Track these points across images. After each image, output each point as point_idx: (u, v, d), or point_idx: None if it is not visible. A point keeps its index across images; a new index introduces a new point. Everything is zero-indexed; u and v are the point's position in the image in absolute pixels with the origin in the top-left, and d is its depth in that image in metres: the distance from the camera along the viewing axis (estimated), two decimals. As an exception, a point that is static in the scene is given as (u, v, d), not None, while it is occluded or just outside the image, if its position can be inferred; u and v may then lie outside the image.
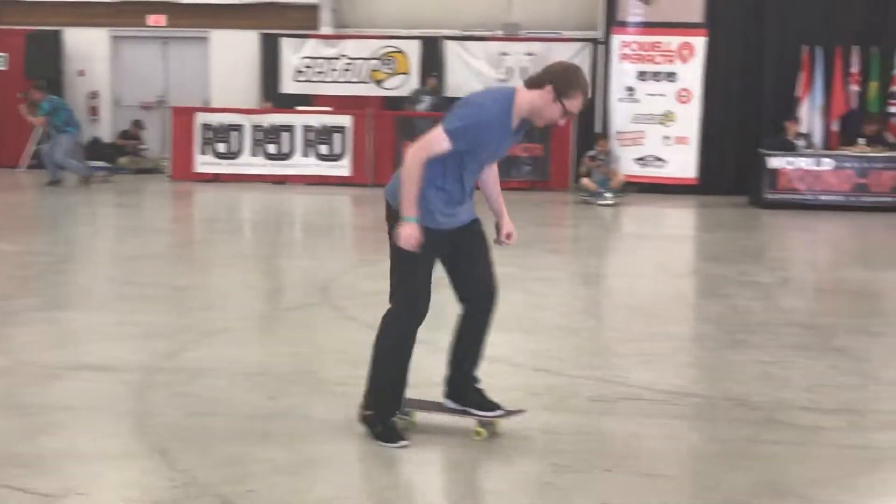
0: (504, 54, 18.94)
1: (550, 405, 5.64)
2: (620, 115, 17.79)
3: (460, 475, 4.58)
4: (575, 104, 4.75)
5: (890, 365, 6.79)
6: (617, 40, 17.77)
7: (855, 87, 17.46)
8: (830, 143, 17.24)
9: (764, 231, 14.36)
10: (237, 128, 18.41)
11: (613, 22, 17.86)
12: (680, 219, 15.83)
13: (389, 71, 19.38)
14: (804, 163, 16.09)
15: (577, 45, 18.69)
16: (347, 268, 10.44)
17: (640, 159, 17.79)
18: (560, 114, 4.77)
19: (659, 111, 17.71)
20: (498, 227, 5.18)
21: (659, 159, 17.81)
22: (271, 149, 18.38)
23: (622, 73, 17.79)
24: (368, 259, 11.20)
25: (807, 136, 16.96)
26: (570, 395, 5.87)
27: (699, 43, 17.58)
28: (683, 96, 17.66)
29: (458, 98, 19.12)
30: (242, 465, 4.63)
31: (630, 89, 17.79)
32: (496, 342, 7.07)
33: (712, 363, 6.89)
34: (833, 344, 7.32)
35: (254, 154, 18.38)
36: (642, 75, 17.77)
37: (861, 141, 16.57)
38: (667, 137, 17.74)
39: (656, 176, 17.71)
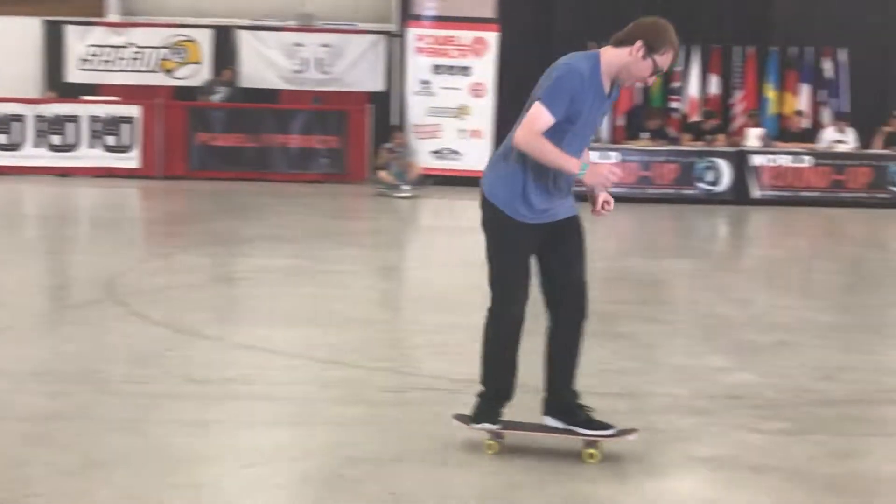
0: (299, 45, 18.81)
1: (343, 398, 5.63)
2: (416, 108, 17.95)
3: (254, 470, 4.52)
4: (666, 60, 4.55)
5: (668, 349, 7.09)
6: (412, 34, 17.91)
7: (638, 83, 18.14)
8: (616, 137, 17.88)
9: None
10: (19, 118, 17.63)
11: (408, 15, 17.99)
12: (475, 211, 15.99)
13: (180, 60, 18.93)
14: (592, 156, 16.60)
15: (373, 37, 18.76)
16: (134, 263, 10.14)
17: (437, 152, 18.00)
18: (651, 71, 4.54)
19: (454, 105, 17.96)
20: (593, 197, 4.78)
21: (455, 152, 18.07)
22: (55, 140, 17.68)
23: (417, 66, 17.95)
24: (157, 253, 10.94)
25: (594, 130, 17.53)
26: (363, 387, 5.88)
27: (491, 38, 17.91)
28: (477, 90, 17.96)
29: (252, 89, 19.05)
30: (24, 468, 4.43)
31: (425, 82, 17.96)
32: (288, 336, 7.06)
33: (503, 352, 7.02)
34: (617, 330, 7.58)
35: (36, 146, 17.66)
36: (437, 69, 17.97)
37: (644, 135, 17.26)
38: (462, 131, 18.02)
39: (452, 169, 17.95)
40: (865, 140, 17.37)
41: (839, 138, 17.26)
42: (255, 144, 17.90)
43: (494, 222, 4.72)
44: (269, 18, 19.09)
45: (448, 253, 11.61)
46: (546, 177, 4.61)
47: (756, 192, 16.68)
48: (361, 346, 6.89)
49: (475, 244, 13.81)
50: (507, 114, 17.93)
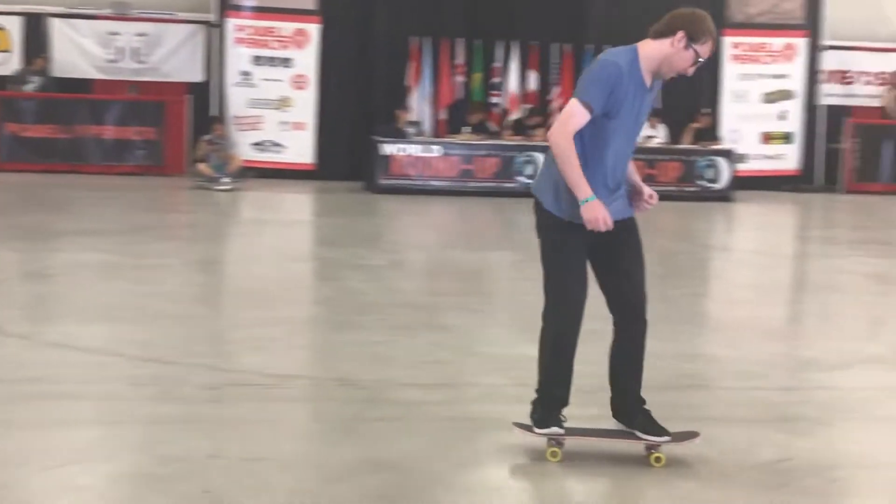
0: (114, 34, 18.22)
1: (156, 396, 5.51)
2: (237, 100, 17.68)
3: (61, 471, 4.37)
4: (706, 49, 4.54)
5: (487, 340, 7.19)
6: (231, 24, 17.63)
7: (460, 78, 18.38)
8: (439, 130, 18.04)
9: (378, 216, 14.80)
10: None
11: (227, 5, 17.69)
12: (298, 204, 15.98)
13: (-12, 49, 18.12)
14: (415, 149, 16.73)
15: (191, 27, 18.35)
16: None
17: (258, 144, 17.78)
18: (692, 61, 4.54)
19: (275, 96, 17.78)
20: (637, 190, 4.78)
21: (277, 144, 17.89)
22: None
23: (238, 57, 17.68)
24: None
25: (417, 124, 17.64)
26: (178, 384, 5.76)
27: (314, 30, 17.81)
28: (300, 82, 17.83)
29: (64, 79, 18.28)
30: None
31: (246, 74, 17.72)
32: (100, 334, 6.85)
33: (321, 345, 7.03)
34: (437, 322, 7.66)
35: None
36: (258, 60, 17.75)
37: (466, 129, 17.46)
38: (284, 123, 17.85)
39: (274, 161, 17.76)
40: (675, 136, 18.04)
41: (650, 134, 17.83)
42: (67, 136, 17.28)
43: (545, 225, 4.68)
44: (83, 6, 18.43)
45: (268, 247, 11.47)
46: (594, 176, 4.55)
47: (573, 186, 17.08)
48: (176, 343, 6.75)
49: (296, 238, 13.78)
50: (331, 106, 17.93)
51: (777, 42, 19.08)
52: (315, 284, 9.61)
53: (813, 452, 4.98)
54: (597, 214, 4.45)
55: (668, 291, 9.45)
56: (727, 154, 17.54)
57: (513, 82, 18.36)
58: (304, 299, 8.83)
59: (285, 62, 17.82)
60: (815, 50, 19.10)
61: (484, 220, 14.87)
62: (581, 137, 4.51)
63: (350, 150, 17.73)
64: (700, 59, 4.57)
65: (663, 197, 15.76)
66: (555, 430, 4.72)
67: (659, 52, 4.56)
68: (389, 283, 9.34)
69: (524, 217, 16.06)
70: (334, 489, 4.32)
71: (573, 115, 4.48)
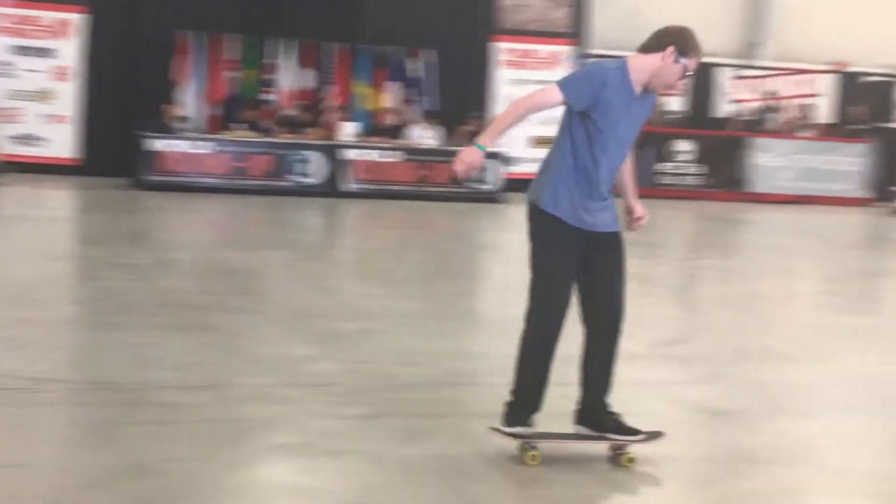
0: None
1: None
2: (-5, 91, 16.84)
3: None
4: (693, 63, 4.67)
5: (256, 340, 7.06)
6: (-16, 12, 16.76)
7: (233, 74, 18.08)
8: (212, 127, 17.67)
9: (144, 213, 14.36)
10: None
11: (-22, -9, 16.82)
12: (59, 200, 15.32)
13: None
14: (184, 146, 16.31)
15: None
16: None
17: (18, 138, 16.96)
18: (681, 75, 4.67)
19: (36, 88, 17.01)
20: (628, 210, 4.96)
21: (38, 138, 17.11)
22: None
23: (-3, 46, 16.85)
24: None
25: (186, 120, 17.23)
26: (-80, 389, 5.40)
27: (78, 20, 17.13)
28: (62, 74, 17.11)
29: None
30: None
31: (5, 64, 16.88)
32: None
33: (81, 347, 6.73)
34: (205, 322, 7.47)
35: None
36: (18, 50, 16.94)
37: (240, 126, 17.18)
38: (45, 116, 17.09)
39: (35, 155, 16.99)
40: (451, 138, 18.29)
41: (426, 135, 18.06)
42: None
43: (541, 227, 4.72)
44: None
45: (25, 244, 10.94)
46: (587, 178, 4.67)
47: (348, 185, 17.09)
48: (-79, 345, 6.33)
49: (56, 236, 13.17)
50: (96, 100, 17.25)
51: (545, 49, 19.66)
52: (75, 284, 9.22)
53: (574, 447, 5.12)
54: (473, 160, 4.55)
55: (439, 289, 9.59)
56: (497, 157, 17.90)
57: (287, 80, 18.22)
58: (63, 299, 8.45)
59: (47, 53, 17.08)
60: (580, 57, 19.78)
61: (256, 219, 14.67)
62: (573, 144, 4.69)
63: (116, 145, 17.12)
64: (688, 73, 4.74)
65: (436, 198, 16.00)
66: (519, 429, 4.79)
67: (649, 65, 4.71)
68: (155, 283, 9.05)
69: (297, 216, 16.05)
70: (91, 496, 4.13)
71: (545, 92, 4.67)
